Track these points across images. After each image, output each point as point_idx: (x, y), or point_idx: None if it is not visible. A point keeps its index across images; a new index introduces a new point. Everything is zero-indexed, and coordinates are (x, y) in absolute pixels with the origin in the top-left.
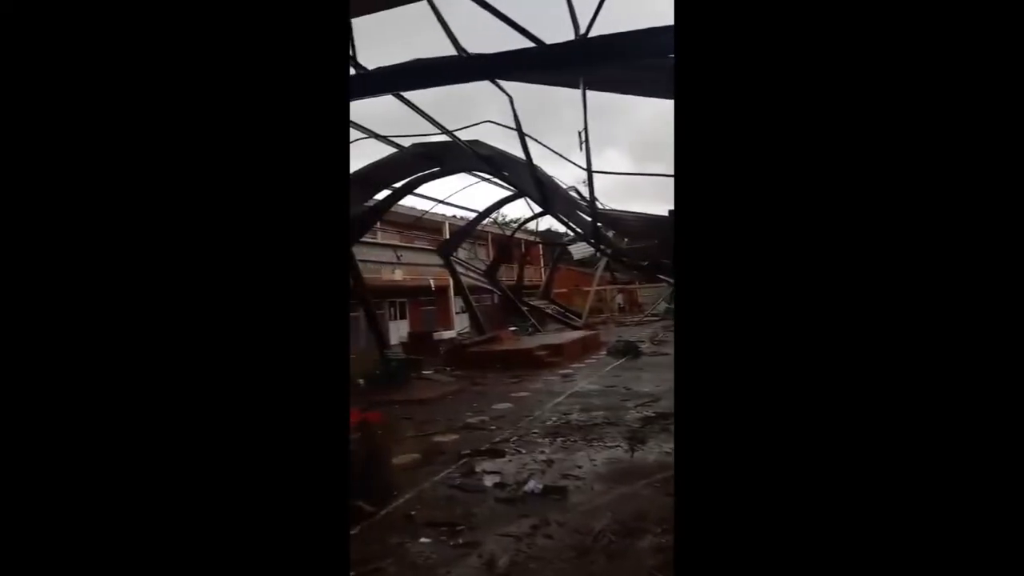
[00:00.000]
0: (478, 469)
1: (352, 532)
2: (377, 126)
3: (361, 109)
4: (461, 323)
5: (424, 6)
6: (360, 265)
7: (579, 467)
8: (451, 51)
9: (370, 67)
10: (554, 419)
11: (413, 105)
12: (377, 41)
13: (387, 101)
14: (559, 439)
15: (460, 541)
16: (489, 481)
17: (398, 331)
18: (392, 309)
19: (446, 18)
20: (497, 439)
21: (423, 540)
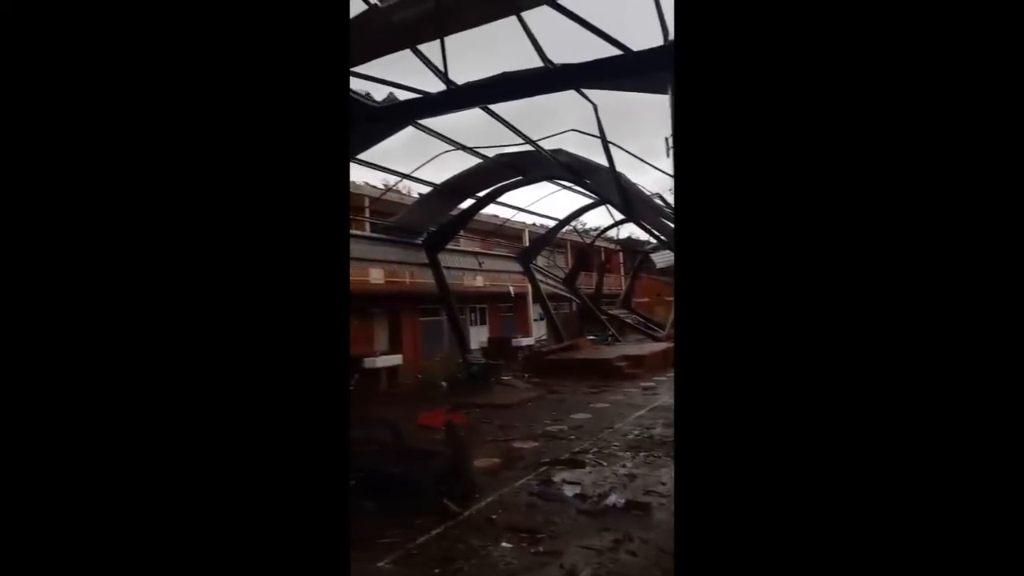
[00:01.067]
0: (557, 478)
1: (437, 531)
2: (464, 138)
3: (449, 122)
4: (539, 330)
5: (512, 20)
6: (444, 271)
7: (663, 484)
8: (538, 63)
9: (459, 82)
10: (636, 432)
11: (498, 116)
12: (467, 57)
13: (474, 113)
14: (641, 453)
15: (541, 549)
16: (569, 491)
17: (478, 336)
18: (473, 314)
19: (533, 30)
20: (577, 449)
21: (504, 545)
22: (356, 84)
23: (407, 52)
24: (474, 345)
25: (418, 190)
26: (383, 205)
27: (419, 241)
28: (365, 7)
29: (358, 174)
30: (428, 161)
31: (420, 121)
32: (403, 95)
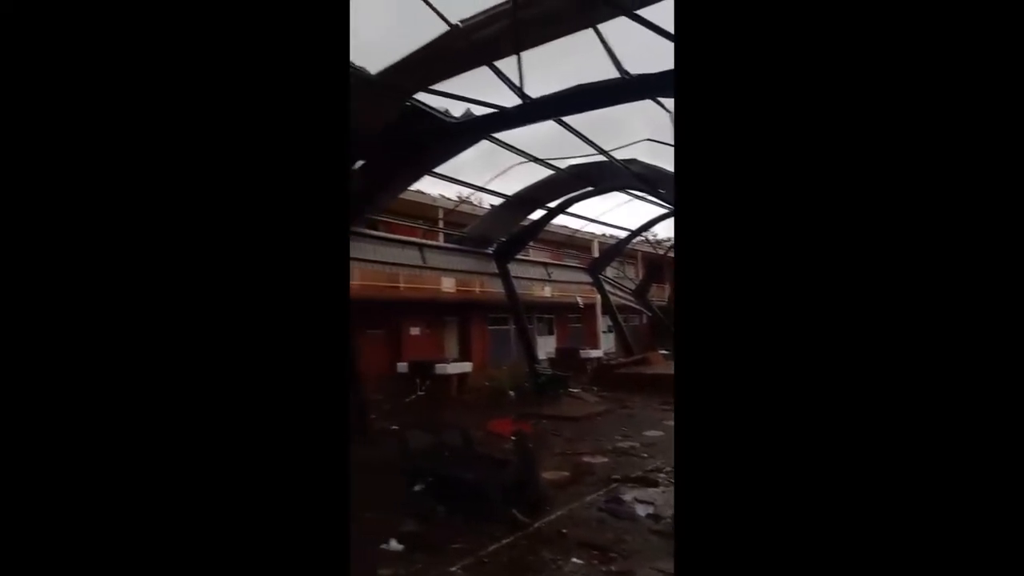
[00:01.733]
0: (629, 496)
1: (507, 540)
2: (536, 149)
3: (521, 133)
4: (607, 343)
5: (587, 32)
6: (514, 281)
7: None
8: (613, 73)
9: (534, 95)
10: None
11: (571, 127)
12: (542, 70)
13: (547, 124)
14: None
15: (613, 568)
16: (642, 510)
17: (545, 347)
18: (540, 324)
19: (609, 41)
20: (649, 467)
21: (575, 560)
22: (435, 101)
23: (484, 68)
24: (541, 355)
25: (490, 201)
26: (456, 216)
27: (490, 251)
28: (446, 28)
29: (433, 187)
30: (500, 173)
31: (493, 134)
32: (479, 110)
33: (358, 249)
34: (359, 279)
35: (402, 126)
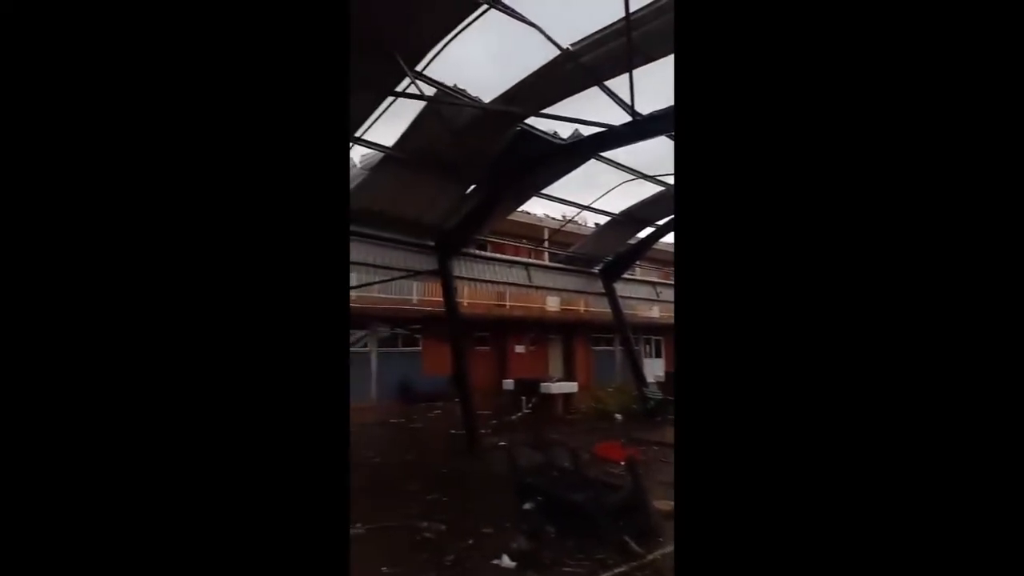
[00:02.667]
0: None
1: (620, 569)
2: (646, 166)
3: (630, 151)
4: None
5: None
6: (620, 301)
7: None
8: None
9: (644, 112)
10: None
11: None
12: (653, 86)
13: (656, 141)
14: None
15: None
16: None
17: (653, 369)
18: (647, 346)
19: None
20: None
21: None
22: (544, 124)
23: (594, 88)
24: (649, 378)
25: (595, 220)
26: (562, 236)
27: (596, 270)
28: (557, 52)
29: (538, 207)
30: (608, 192)
31: (602, 152)
32: (587, 130)
33: (467, 269)
34: (467, 297)
35: (512, 150)
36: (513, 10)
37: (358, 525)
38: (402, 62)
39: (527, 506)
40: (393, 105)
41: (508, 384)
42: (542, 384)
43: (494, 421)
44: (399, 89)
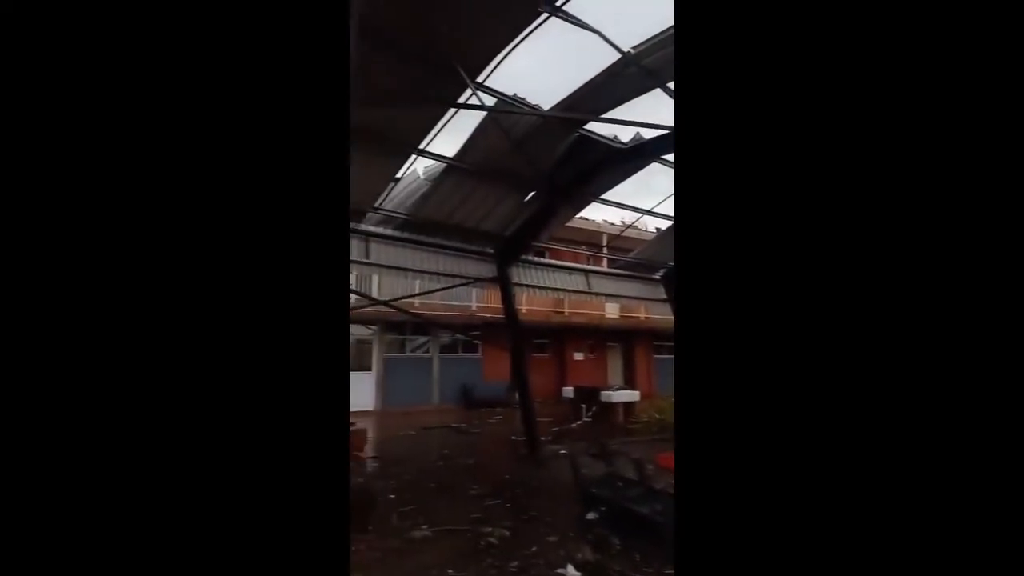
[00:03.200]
0: None
1: None
2: None
3: None
4: None
5: None
6: None
7: None
8: None
9: None
10: None
11: None
12: None
13: None
14: None
15: None
16: None
17: None
18: None
19: None
20: None
21: None
22: (605, 128)
23: (656, 91)
24: None
25: (655, 224)
26: (621, 241)
27: (657, 276)
28: (618, 56)
29: (597, 213)
30: (669, 196)
31: (665, 155)
32: (649, 133)
33: (525, 275)
34: (526, 304)
35: (571, 156)
36: (573, 16)
37: (424, 526)
38: (464, 74)
39: (591, 516)
40: (455, 117)
41: (568, 392)
42: (602, 392)
43: (554, 429)
44: (461, 101)
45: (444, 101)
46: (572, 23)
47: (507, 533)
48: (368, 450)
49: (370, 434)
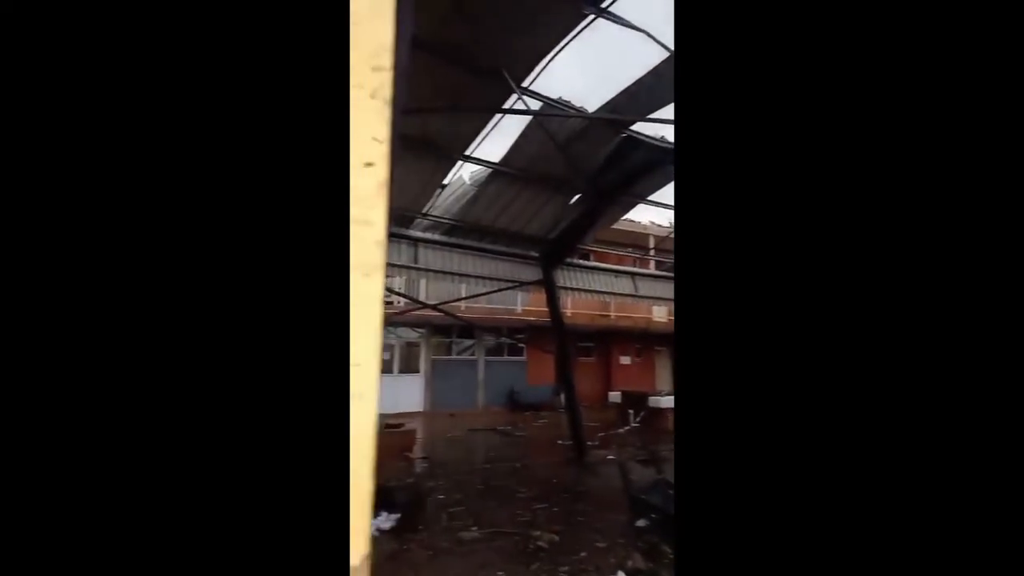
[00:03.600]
0: None
1: None
2: None
3: None
4: None
5: None
6: None
7: None
8: None
9: None
10: None
11: None
12: None
13: None
14: None
15: None
16: None
17: None
18: None
19: None
20: None
21: None
22: (652, 129)
23: None
24: None
25: None
26: (668, 243)
27: None
28: (665, 55)
29: (643, 214)
30: None
31: None
32: None
33: (571, 278)
34: (571, 307)
35: (617, 158)
36: (620, 17)
37: (473, 527)
38: (510, 80)
39: (641, 523)
40: (500, 121)
41: (614, 396)
42: (651, 397)
43: (601, 434)
44: (506, 106)
45: (490, 107)
46: (618, 23)
47: (556, 538)
48: (417, 451)
49: (418, 435)
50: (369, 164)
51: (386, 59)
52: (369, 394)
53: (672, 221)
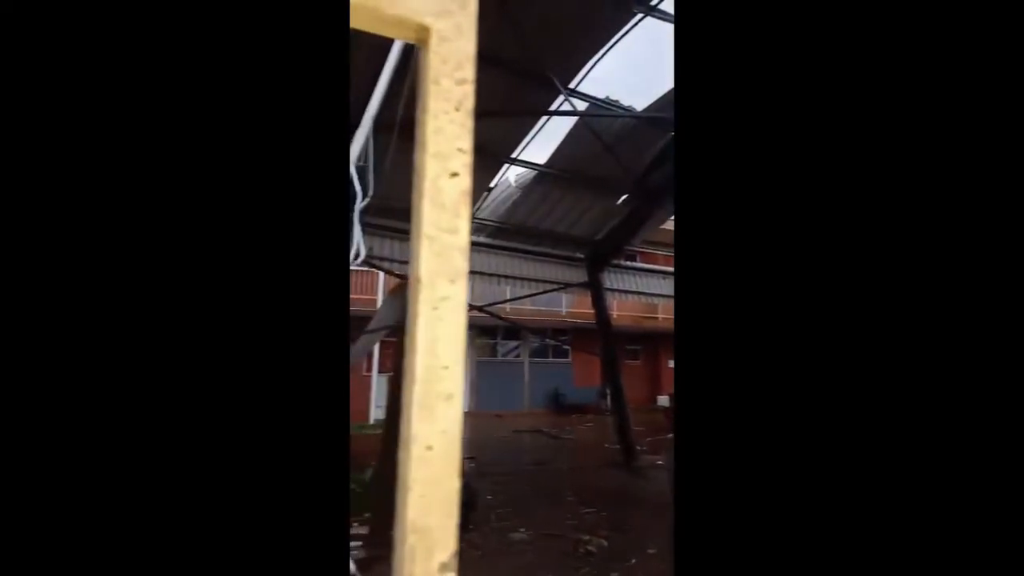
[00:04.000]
0: None
1: None
2: None
3: None
4: None
5: None
6: None
7: None
8: None
9: None
10: None
11: None
12: None
13: None
14: None
15: None
16: None
17: None
18: None
19: None
20: None
21: None
22: None
23: None
24: None
25: None
26: None
27: None
28: None
29: None
30: None
31: None
32: None
33: (617, 280)
34: (617, 309)
35: (665, 157)
36: (669, 15)
37: (521, 529)
38: (557, 82)
39: None
40: (548, 123)
41: (662, 400)
42: None
43: (649, 438)
44: (552, 108)
45: (537, 110)
46: (668, 20)
47: (604, 543)
48: (464, 451)
49: (465, 435)
50: (454, 174)
51: (469, 71)
52: (456, 396)
53: None
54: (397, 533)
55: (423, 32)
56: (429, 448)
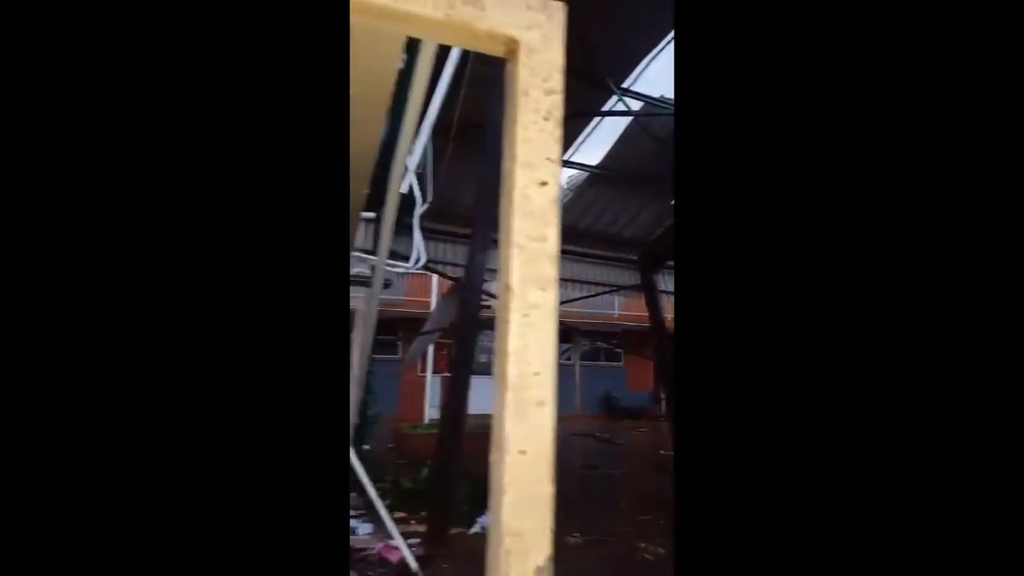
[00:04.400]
0: None
1: None
2: None
3: None
4: None
5: None
6: None
7: None
8: None
9: None
10: None
11: None
12: None
13: None
14: None
15: None
16: None
17: None
18: None
19: None
20: None
21: None
22: None
23: None
24: None
25: None
26: None
27: None
28: None
29: None
30: None
31: None
32: None
33: (671, 282)
34: (670, 312)
35: None
36: None
37: (575, 534)
38: (611, 83)
39: None
40: (600, 124)
41: None
42: None
43: None
44: (605, 108)
45: (591, 111)
46: None
47: (661, 551)
48: None
49: None
50: (543, 183)
51: (558, 82)
52: (549, 401)
53: None
54: (491, 536)
55: (512, 45)
56: (522, 452)
